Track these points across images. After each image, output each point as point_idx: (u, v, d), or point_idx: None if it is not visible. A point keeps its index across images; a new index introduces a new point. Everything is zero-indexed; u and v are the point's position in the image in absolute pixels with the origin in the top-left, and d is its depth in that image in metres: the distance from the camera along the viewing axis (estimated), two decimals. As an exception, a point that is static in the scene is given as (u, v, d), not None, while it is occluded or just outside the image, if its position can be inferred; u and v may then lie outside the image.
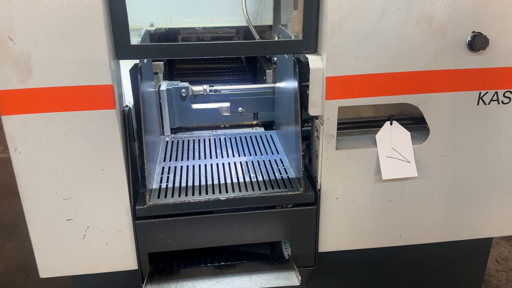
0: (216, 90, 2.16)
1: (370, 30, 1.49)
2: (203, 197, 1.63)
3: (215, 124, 2.27)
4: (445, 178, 1.74)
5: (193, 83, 2.18)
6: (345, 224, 1.77)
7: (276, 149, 2.05)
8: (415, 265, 2.01)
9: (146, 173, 1.57)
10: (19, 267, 2.78)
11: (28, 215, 1.57)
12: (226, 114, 2.22)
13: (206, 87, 2.15)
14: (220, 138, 2.17)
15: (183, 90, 2.12)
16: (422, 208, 1.78)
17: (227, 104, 2.20)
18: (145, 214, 1.60)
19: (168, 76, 2.49)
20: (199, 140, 2.14)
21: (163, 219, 1.63)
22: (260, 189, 1.69)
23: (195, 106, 2.19)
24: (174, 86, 2.12)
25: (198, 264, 1.94)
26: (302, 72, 1.64)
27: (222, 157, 1.97)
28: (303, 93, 1.65)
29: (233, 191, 1.68)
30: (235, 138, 2.17)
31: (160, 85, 2.13)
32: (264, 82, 2.30)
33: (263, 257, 2.04)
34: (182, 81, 2.18)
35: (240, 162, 1.92)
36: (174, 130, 2.23)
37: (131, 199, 1.59)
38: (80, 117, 1.46)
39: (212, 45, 1.55)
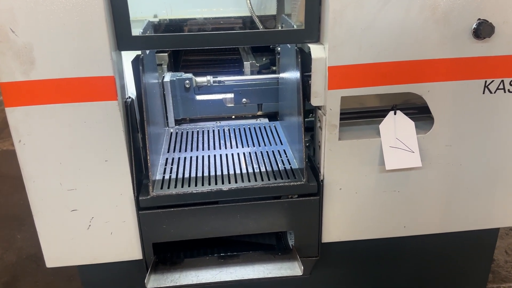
0: (219, 81, 2.16)
1: (373, 18, 1.47)
2: (206, 188, 1.63)
3: (219, 115, 2.27)
4: (450, 168, 1.73)
5: (198, 74, 2.18)
6: (348, 215, 1.76)
7: (280, 140, 2.04)
8: (420, 256, 2.00)
9: (148, 164, 1.58)
10: (30, 257, 2.83)
11: (34, 206, 1.59)
12: (230, 105, 2.22)
13: (209, 78, 2.15)
14: (224, 129, 2.17)
15: (187, 81, 2.12)
16: (427, 198, 1.77)
17: (231, 95, 2.20)
18: (149, 204, 1.61)
19: (174, 67, 2.49)
20: (203, 131, 2.15)
21: (167, 209, 1.64)
22: (263, 180, 1.69)
23: (199, 97, 2.19)
24: (177, 78, 2.12)
25: (202, 255, 1.96)
26: (305, 62, 1.62)
27: (226, 148, 1.98)
28: (305, 83, 1.63)
29: (236, 181, 1.68)
30: (239, 129, 2.17)
31: (164, 77, 2.13)
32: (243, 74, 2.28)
33: (268, 248, 2.04)
34: (188, 72, 2.18)
35: (244, 153, 1.92)
36: (178, 122, 2.23)
37: (134, 190, 1.60)
38: (83, 108, 1.47)
39: (214, 35, 1.54)
